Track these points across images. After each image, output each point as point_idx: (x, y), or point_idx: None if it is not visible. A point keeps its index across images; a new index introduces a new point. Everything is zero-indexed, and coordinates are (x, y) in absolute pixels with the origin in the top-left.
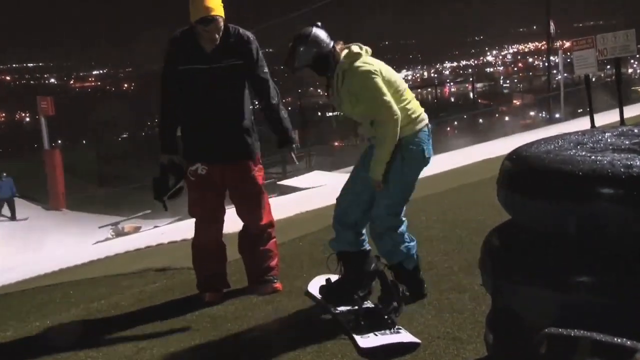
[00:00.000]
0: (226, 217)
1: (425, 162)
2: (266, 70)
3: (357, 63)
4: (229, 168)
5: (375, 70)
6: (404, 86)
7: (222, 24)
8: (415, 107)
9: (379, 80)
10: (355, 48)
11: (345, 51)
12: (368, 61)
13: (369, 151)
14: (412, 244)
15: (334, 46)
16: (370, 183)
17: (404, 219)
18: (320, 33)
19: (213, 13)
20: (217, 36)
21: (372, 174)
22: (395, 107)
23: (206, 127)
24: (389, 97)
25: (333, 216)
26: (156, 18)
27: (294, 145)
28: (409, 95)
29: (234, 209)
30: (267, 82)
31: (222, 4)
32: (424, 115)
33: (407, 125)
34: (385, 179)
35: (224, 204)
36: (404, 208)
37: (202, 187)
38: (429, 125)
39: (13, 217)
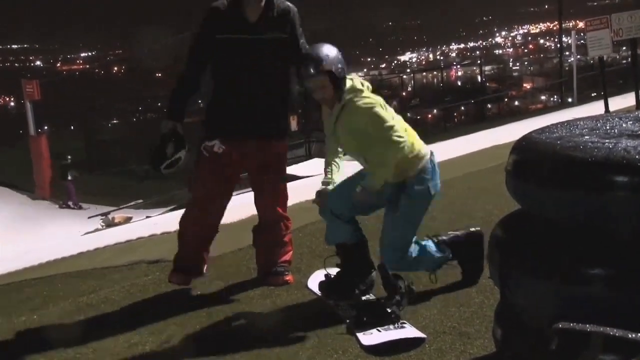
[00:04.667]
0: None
1: (431, 198)
2: (307, 46)
3: (358, 100)
4: (257, 148)
5: (375, 103)
6: (402, 125)
7: None
8: (414, 146)
9: (380, 111)
10: (357, 83)
11: (349, 83)
12: (369, 96)
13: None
14: (418, 255)
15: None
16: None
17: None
18: (338, 52)
19: None
20: None
21: (369, 183)
22: (404, 139)
23: (243, 100)
24: (396, 127)
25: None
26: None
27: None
28: (409, 133)
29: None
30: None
31: None
32: (425, 150)
33: (408, 166)
34: (394, 218)
35: (232, 190)
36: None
37: (214, 167)
38: (433, 159)
39: None
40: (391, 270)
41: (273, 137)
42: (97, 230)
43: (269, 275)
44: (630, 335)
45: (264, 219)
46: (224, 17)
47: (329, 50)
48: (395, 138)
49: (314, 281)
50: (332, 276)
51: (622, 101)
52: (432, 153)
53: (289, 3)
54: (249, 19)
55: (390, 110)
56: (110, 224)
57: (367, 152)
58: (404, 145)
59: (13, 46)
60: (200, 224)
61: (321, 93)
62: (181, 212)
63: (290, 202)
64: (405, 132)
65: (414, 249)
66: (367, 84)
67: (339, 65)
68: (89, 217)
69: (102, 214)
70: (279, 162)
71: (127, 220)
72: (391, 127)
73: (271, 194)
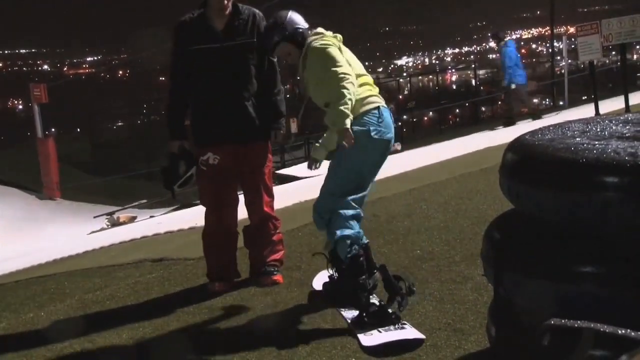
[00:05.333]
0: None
1: (372, 143)
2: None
3: (315, 42)
4: (243, 150)
5: (330, 44)
6: (361, 72)
7: None
8: (364, 92)
9: (332, 51)
10: (318, 29)
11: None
12: (327, 38)
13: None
14: (349, 232)
15: (309, 28)
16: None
17: (355, 206)
18: (296, 15)
19: None
20: (227, 2)
21: (313, 153)
22: (350, 76)
23: (220, 106)
24: (345, 67)
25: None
26: (151, 5)
27: (280, 132)
28: (366, 80)
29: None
30: (275, 65)
31: None
32: (375, 99)
33: (353, 109)
34: (333, 162)
35: (237, 192)
36: (355, 196)
37: (214, 177)
38: (382, 109)
39: None
40: (323, 216)
41: (255, 139)
42: (102, 229)
43: (258, 275)
44: (620, 332)
45: (252, 219)
46: (193, 29)
47: (281, 19)
48: (341, 74)
49: (318, 282)
50: (336, 278)
51: (612, 104)
52: (386, 108)
53: (254, 9)
54: (216, 28)
55: (349, 55)
56: (115, 223)
57: (326, 95)
58: (351, 81)
59: (22, 51)
60: (220, 229)
61: (290, 59)
62: (183, 211)
63: (290, 202)
64: (361, 78)
65: (349, 212)
66: (337, 35)
67: (296, 27)
68: (94, 217)
69: (107, 214)
70: (262, 163)
71: (132, 219)
72: (339, 65)
73: (257, 194)
